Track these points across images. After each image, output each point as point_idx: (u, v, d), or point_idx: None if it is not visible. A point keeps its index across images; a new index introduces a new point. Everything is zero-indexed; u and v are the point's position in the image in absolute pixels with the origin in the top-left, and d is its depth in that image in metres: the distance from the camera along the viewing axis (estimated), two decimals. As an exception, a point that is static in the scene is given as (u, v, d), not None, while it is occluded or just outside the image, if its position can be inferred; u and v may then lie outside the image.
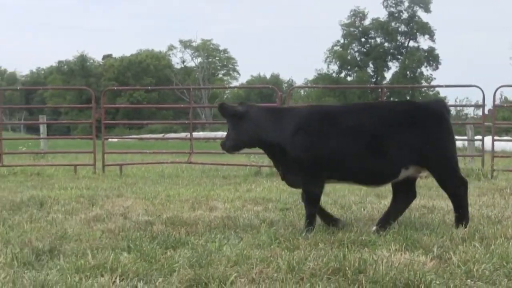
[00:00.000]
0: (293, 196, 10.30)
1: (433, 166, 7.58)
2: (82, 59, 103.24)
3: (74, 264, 5.68)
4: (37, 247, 6.42)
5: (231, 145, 7.84)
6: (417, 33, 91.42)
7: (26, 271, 5.58)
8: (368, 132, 7.47)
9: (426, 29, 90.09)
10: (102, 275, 5.40)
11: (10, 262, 5.88)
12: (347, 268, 5.38)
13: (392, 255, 5.95)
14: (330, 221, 7.75)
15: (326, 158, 7.47)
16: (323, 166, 7.51)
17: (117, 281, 5.24)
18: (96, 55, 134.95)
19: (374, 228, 7.35)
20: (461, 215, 7.50)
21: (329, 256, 5.82)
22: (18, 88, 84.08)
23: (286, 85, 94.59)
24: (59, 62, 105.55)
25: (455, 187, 7.56)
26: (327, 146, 7.46)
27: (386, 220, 7.56)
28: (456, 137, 9.77)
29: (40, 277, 5.28)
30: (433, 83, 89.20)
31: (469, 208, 7.83)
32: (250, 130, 7.69)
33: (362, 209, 9.11)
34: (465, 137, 22.10)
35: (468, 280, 5.19)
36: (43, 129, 24.84)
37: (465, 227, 7.31)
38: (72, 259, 5.93)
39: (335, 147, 7.47)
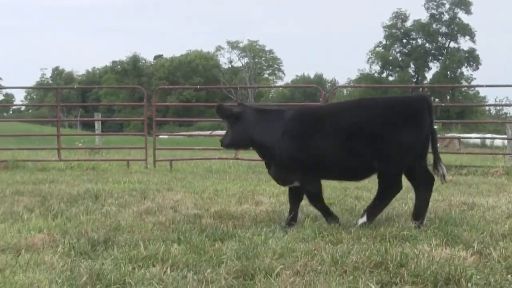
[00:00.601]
0: (336, 191, 10.27)
1: (382, 160, 7.38)
2: (135, 60, 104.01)
3: (127, 255, 5.73)
4: (93, 238, 6.49)
5: (227, 143, 7.97)
6: (458, 34, 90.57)
7: (82, 260, 5.65)
8: (346, 131, 7.39)
9: (466, 30, 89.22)
10: (153, 265, 5.44)
11: (68, 252, 5.95)
12: (389, 262, 5.35)
13: (433, 249, 5.90)
14: (292, 217, 7.74)
15: (310, 159, 7.49)
16: (310, 166, 7.53)
17: (168, 271, 5.27)
18: (148, 55, 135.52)
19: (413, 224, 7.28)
20: (374, 209, 7.45)
21: (372, 250, 5.79)
22: (75, 87, 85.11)
23: (329, 84, 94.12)
24: (113, 62, 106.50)
25: (390, 186, 7.48)
26: (310, 148, 7.47)
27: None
28: (496, 136, 9.60)
29: (95, 266, 5.33)
30: (473, 83, 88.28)
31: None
32: (243, 131, 7.74)
33: (403, 205, 9.03)
34: (505, 136, 21.79)
35: (509, 276, 5.13)
36: (98, 126, 25.06)
37: (368, 224, 7.26)
38: (125, 249, 5.99)
39: (317, 148, 7.46)
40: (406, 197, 9.96)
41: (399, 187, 7.47)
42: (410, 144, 7.36)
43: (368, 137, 7.30)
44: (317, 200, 7.67)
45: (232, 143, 8.00)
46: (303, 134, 7.51)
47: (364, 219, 7.23)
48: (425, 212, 7.53)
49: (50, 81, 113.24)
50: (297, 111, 8.07)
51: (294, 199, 7.75)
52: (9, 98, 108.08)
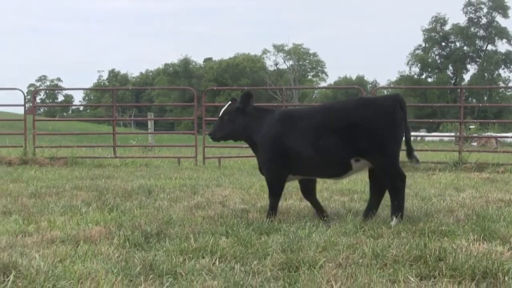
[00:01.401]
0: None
1: (372, 159, 7.37)
2: (186, 62, 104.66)
3: (178, 247, 5.76)
4: (146, 231, 6.54)
5: (222, 136, 8.02)
6: (495, 38, 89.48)
7: (136, 252, 5.69)
8: (323, 131, 7.39)
9: (504, 34, 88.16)
10: (203, 257, 5.45)
11: (123, 243, 6.01)
12: (428, 256, 5.29)
13: (471, 244, 5.82)
14: (320, 212, 7.80)
15: (288, 156, 7.54)
16: (285, 163, 7.60)
17: (217, 262, 5.29)
18: (198, 58, 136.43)
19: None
20: (396, 207, 7.25)
21: (411, 244, 5.74)
22: (130, 88, 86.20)
23: (370, 85, 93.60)
24: (165, 64, 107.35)
25: (393, 180, 7.32)
26: (288, 146, 7.52)
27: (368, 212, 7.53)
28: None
29: (148, 257, 5.37)
30: (510, 84, 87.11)
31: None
32: (243, 126, 7.84)
33: (441, 201, 8.93)
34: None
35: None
36: (150, 125, 25.28)
37: (400, 219, 7.15)
38: (176, 242, 6.02)
39: (296, 146, 7.50)
40: (444, 193, 9.88)
41: (401, 175, 7.35)
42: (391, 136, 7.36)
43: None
44: (276, 197, 7.80)
45: (227, 135, 8.07)
46: (285, 132, 7.59)
47: (394, 221, 7.15)
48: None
49: (107, 83, 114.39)
50: (281, 112, 8.15)
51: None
52: (69, 99, 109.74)
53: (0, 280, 4.75)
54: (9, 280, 4.72)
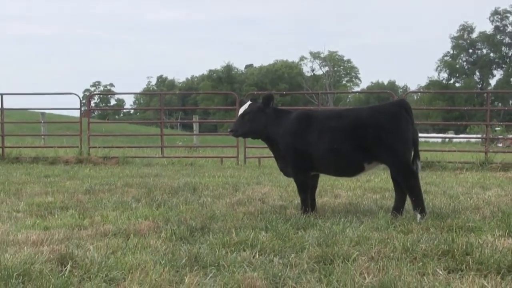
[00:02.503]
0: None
1: (385, 160, 7.43)
2: (228, 68, 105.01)
3: (221, 240, 5.77)
4: (191, 225, 6.57)
5: (242, 133, 8.11)
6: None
7: (182, 245, 5.72)
8: (338, 133, 7.47)
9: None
10: (244, 250, 5.46)
11: (169, 237, 6.04)
12: (455, 250, 5.23)
13: (496, 240, 5.74)
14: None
15: (304, 154, 7.63)
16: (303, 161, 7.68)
17: (257, 255, 5.29)
18: (239, 65, 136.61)
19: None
20: (415, 202, 7.22)
21: (439, 239, 5.68)
22: (176, 92, 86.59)
23: (401, 90, 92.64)
24: (210, 71, 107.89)
25: (406, 179, 7.27)
26: (305, 145, 7.62)
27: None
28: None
29: (193, 249, 5.40)
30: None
31: None
32: (263, 124, 7.89)
33: (468, 199, 8.83)
34: None
35: None
36: (195, 127, 25.38)
37: (424, 213, 7.16)
38: (219, 235, 6.03)
39: (312, 145, 7.59)
40: (471, 192, 9.76)
41: (412, 173, 7.29)
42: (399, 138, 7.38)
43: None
44: (304, 191, 7.84)
45: (247, 133, 8.14)
46: (302, 133, 7.70)
47: (418, 216, 7.09)
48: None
49: (155, 88, 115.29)
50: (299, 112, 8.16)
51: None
52: (120, 103, 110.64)
53: (58, 270, 4.81)
54: (66, 269, 4.79)
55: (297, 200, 8.64)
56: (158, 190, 9.96)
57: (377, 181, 11.41)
